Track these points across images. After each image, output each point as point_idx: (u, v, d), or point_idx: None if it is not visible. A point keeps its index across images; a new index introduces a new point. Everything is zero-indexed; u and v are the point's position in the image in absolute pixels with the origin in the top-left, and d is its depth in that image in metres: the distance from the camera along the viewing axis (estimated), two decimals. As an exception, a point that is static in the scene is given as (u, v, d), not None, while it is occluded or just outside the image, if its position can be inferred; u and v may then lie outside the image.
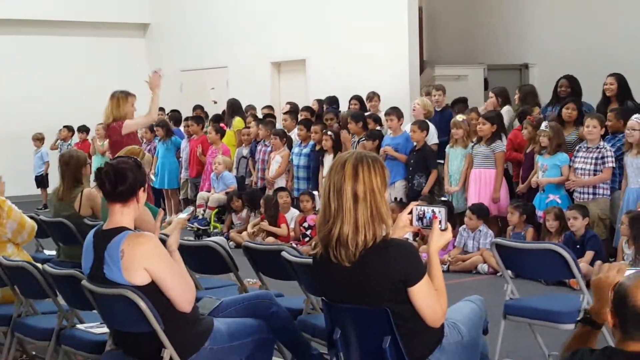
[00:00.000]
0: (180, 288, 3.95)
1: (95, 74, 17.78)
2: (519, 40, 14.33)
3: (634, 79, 9.62)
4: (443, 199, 9.74)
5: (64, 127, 16.24)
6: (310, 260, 4.09)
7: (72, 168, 6.69)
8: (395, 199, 10.05)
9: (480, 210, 9.15)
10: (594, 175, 8.64)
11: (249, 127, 12.87)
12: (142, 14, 18.51)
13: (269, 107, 14.17)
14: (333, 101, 12.87)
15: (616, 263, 3.07)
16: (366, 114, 11.72)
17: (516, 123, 10.23)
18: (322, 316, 3.86)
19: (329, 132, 11.13)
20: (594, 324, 3.07)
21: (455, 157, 9.90)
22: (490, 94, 11.01)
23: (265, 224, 10.61)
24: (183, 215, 4.77)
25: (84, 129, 16.04)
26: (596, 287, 3.06)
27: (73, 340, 4.70)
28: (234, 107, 13.78)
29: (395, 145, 10.40)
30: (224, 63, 16.55)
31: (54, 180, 16.11)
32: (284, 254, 4.79)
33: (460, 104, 11.43)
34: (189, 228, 11.72)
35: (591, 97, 10.06)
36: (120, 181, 3.97)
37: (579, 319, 3.12)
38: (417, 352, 3.52)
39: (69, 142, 16.01)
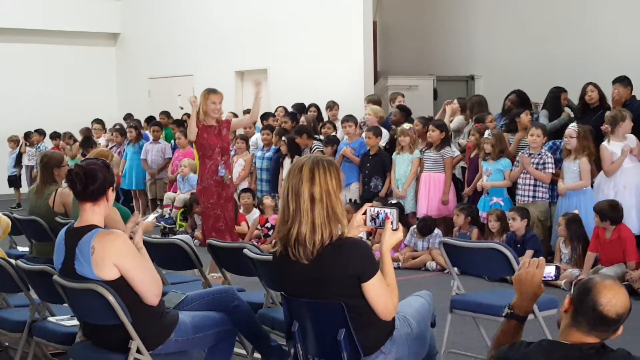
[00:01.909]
0: (148, 282, 3.93)
1: (68, 80, 17.66)
2: (466, 53, 14.45)
3: (572, 91, 9.75)
4: (393, 201, 9.76)
5: (35, 130, 16.03)
6: (270, 257, 4.09)
7: (46, 167, 6.65)
8: (350, 200, 10.06)
9: (424, 229, 9.15)
10: (535, 180, 8.75)
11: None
12: (113, 24, 18.39)
13: (233, 113, 14.12)
14: (299, 107, 12.86)
15: (535, 259, 3.10)
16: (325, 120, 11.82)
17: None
18: (281, 310, 3.85)
19: (284, 138, 11.12)
20: (518, 318, 3.10)
21: (401, 162, 9.92)
22: (455, 102, 11.08)
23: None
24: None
25: (56, 135, 15.84)
26: (518, 283, 3.10)
27: (44, 332, 4.64)
28: None
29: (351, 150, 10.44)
30: (190, 71, 16.48)
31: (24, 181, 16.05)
32: (245, 251, 4.78)
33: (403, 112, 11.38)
34: (157, 225, 11.68)
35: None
36: (91, 181, 3.93)
37: (504, 314, 3.13)
38: (370, 344, 3.53)
39: (40, 145, 15.80)
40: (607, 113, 8.60)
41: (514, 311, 3.10)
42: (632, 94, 9.03)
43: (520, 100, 10.11)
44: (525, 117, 9.45)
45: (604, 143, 8.40)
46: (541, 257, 3.15)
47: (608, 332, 2.74)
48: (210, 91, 8.10)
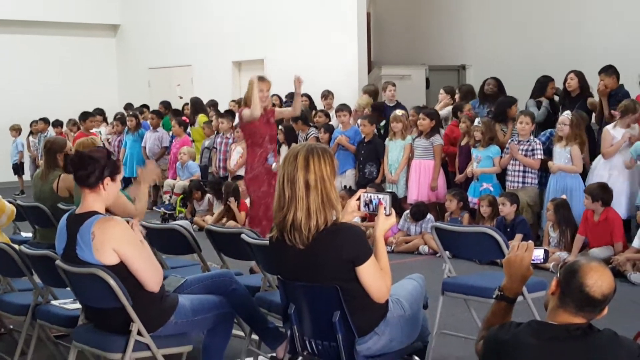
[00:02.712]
0: (148, 269, 3.91)
1: (69, 71, 17.62)
2: (457, 43, 14.43)
3: (559, 79, 9.74)
4: (388, 190, 9.76)
5: (40, 119, 16.03)
6: (267, 242, 4.08)
7: (49, 152, 6.68)
8: (345, 186, 10.06)
9: (417, 214, 9.15)
10: (524, 167, 8.76)
11: (211, 121, 12.83)
12: (113, 16, 18.34)
13: (234, 101, 14.10)
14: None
15: (524, 242, 3.11)
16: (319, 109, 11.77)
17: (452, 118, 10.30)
18: (278, 293, 3.85)
19: (280, 127, 11.11)
20: (508, 300, 3.11)
21: (394, 148, 9.92)
22: (442, 92, 11.09)
23: (233, 204, 10.44)
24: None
25: (58, 124, 15.82)
26: (507, 266, 3.11)
27: (48, 315, 4.64)
28: (196, 105, 13.70)
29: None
30: (189, 62, 16.46)
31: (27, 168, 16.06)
32: (243, 236, 4.78)
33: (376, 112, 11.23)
34: (157, 211, 11.78)
35: (520, 93, 10.14)
36: (81, 167, 3.92)
37: (494, 296, 3.14)
38: (364, 325, 3.53)
39: (46, 133, 15.79)
40: (622, 101, 8.56)
41: (504, 293, 3.10)
42: (620, 83, 9.03)
43: (499, 85, 10.11)
44: (515, 109, 9.45)
45: (609, 127, 8.42)
46: (530, 241, 3.16)
47: (594, 313, 2.75)
48: (259, 78, 7.80)
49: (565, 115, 8.55)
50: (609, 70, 8.98)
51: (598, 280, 2.71)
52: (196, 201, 11.59)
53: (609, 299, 2.73)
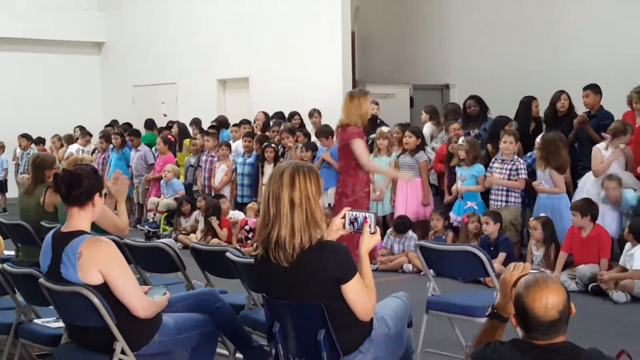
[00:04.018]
0: (134, 294, 3.88)
1: (53, 88, 17.56)
2: (441, 63, 14.51)
3: (541, 99, 9.80)
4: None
5: (22, 135, 15.93)
6: (251, 260, 4.08)
7: (36, 168, 6.67)
8: (330, 205, 10.05)
9: (400, 225, 9.16)
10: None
11: (195, 139, 12.82)
12: (98, 33, 18.33)
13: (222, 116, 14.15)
14: (280, 116, 12.89)
15: (521, 263, 3.13)
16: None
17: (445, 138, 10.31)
18: (263, 311, 3.85)
19: (272, 144, 11.12)
20: (501, 318, 3.12)
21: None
22: (423, 113, 11.15)
23: (215, 222, 10.45)
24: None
25: (40, 141, 15.74)
26: (503, 285, 3.13)
27: (30, 334, 4.61)
28: (181, 133, 13.65)
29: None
30: (174, 79, 16.45)
31: (12, 186, 15.94)
32: (228, 254, 4.77)
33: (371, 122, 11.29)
34: (141, 229, 11.76)
35: (503, 113, 10.18)
36: (75, 186, 3.90)
37: (487, 314, 3.16)
38: (349, 344, 3.53)
39: (29, 150, 15.69)
40: (612, 124, 8.61)
41: (498, 311, 3.12)
42: (600, 104, 9.13)
43: (480, 105, 10.15)
44: (511, 128, 9.43)
45: (600, 146, 8.47)
46: (527, 263, 3.17)
47: (563, 327, 2.77)
48: (367, 92, 7.49)
49: (537, 139, 8.62)
50: (596, 89, 9.08)
51: (547, 304, 2.72)
52: (183, 216, 11.55)
53: (565, 310, 2.74)
